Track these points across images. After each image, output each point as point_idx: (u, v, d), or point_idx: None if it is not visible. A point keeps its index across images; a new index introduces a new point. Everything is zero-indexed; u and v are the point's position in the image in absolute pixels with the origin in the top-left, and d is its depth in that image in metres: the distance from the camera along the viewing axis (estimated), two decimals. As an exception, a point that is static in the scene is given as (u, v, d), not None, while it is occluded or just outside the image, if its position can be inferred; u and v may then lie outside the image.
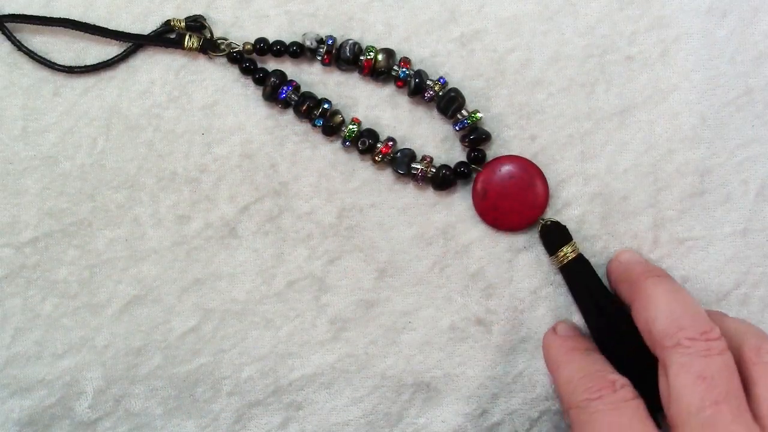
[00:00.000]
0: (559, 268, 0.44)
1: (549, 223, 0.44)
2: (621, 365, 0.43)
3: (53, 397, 0.45)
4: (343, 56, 0.43)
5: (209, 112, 0.44)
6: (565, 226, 0.44)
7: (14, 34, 0.44)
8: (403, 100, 0.45)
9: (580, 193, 0.44)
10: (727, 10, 0.45)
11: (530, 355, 0.45)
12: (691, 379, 0.36)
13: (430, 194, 0.45)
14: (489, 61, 0.44)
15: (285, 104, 0.44)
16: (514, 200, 0.44)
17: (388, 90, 0.45)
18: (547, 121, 0.44)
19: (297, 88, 0.44)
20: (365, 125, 0.44)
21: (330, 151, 0.45)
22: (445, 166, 0.44)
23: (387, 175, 0.45)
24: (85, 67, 0.44)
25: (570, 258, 0.43)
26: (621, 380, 0.38)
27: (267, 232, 0.45)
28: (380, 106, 0.45)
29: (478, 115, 0.43)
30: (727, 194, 0.45)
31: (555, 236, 0.44)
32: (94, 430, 0.45)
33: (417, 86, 0.43)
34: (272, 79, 0.43)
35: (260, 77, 0.44)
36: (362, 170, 0.45)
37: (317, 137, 0.44)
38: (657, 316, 0.38)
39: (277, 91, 0.43)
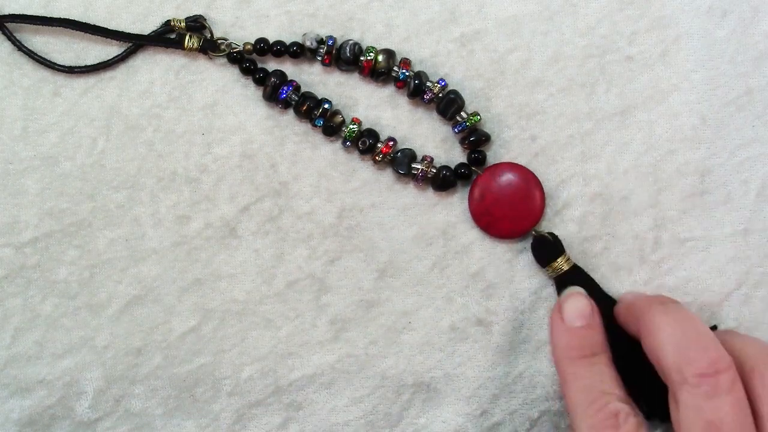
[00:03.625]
0: (554, 279, 0.44)
1: (540, 235, 0.44)
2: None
3: (53, 397, 0.45)
4: (343, 57, 0.43)
5: (209, 112, 0.44)
6: (557, 238, 0.44)
7: (14, 34, 0.44)
8: (403, 100, 0.45)
9: (581, 193, 0.44)
10: (727, 10, 0.45)
11: (530, 356, 0.45)
12: (700, 425, 0.35)
13: (430, 194, 0.45)
14: (489, 61, 0.44)
15: (285, 104, 0.44)
16: (509, 208, 0.43)
17: (388, 90, 0.45)
18: (547, 121, 0.44)
19: (297, 88, 0.44)
20: (365, 125, 0.44)
21: (330, 151, 0.45)
22: (445, 167, 0.44)
23: (387, 175, 0.45)
24: (85, 67, 0.44)
25: (564, 270, 0.43)
26: (624, 410, 0.37)
27: (267, 232, 0.45)
28: (380, 106, 0.45)
29: (478, 117, 0.43)
30: (727, 194, 0.45)
31: (547, 249, 0.43)
32: (94, 430, 0.45)
33: (416, 88, 0.43)
34: (272, 79, 0.43)
35: (260, 77, 0.44)
36: (362, 170, 0.45)
37: (317, 137, 0.44)
38: (664, 347, 0.37)
39: (278, 91, 0.43)
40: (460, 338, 0.45)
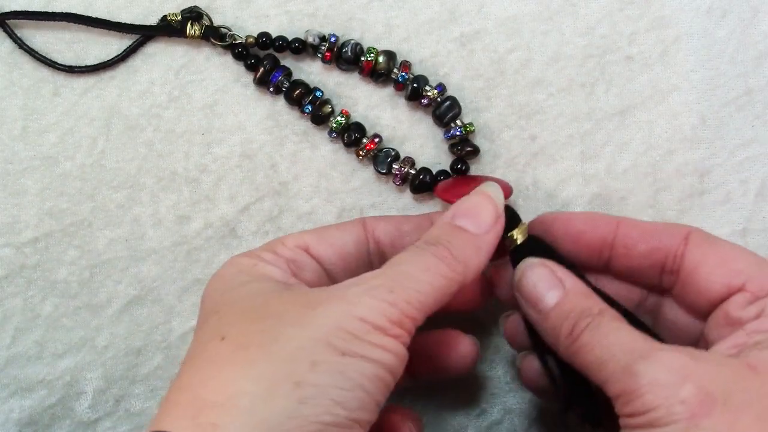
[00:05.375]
0: (510, 251, 0.39)
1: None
2: None
3: (53, 397, 0.45)
4: (344, 56, 0.43)
5: (209, 112, 0.44)
6: (513, 209, 0.40)
7: (15, 33, 0.44)
8: (402, 101, 0.45)
9: (580, 193, 0.44)
10: (727, 10, 0.45)
11: (529, 355, 0.45)
12: None
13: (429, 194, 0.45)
14: (489, 61, 0.44)
15: (276, 89, 0.43)
16: (464, 187, 0.41)
17: (388, 90, 0.45)
18: (547, 121, 0.44)
19: (289, 74, 0.43)
20: (365, 125, 0.44)
21: (330, 151, 0.45)
22: (425, 170, 0.43)
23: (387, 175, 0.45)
24: (85, 67, 0.44)
25: (519, 242, 0.39)
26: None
27: (267, 232, 0.45)
28: (380, 106, 0.45)
29: (472, 127, 0.43)
30: (726, 194, 0.45)
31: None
32: (94, 430, 0.45)
33: (414, 91, 0.43)
34: (265, 62, 0.43)
35: (252, 63, 0.43)
36: (362, 170, 0.45)
37: (317, 137, 0.44)
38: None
39: (269, 75, 0.43)
40: (460, 338, 0.45)
